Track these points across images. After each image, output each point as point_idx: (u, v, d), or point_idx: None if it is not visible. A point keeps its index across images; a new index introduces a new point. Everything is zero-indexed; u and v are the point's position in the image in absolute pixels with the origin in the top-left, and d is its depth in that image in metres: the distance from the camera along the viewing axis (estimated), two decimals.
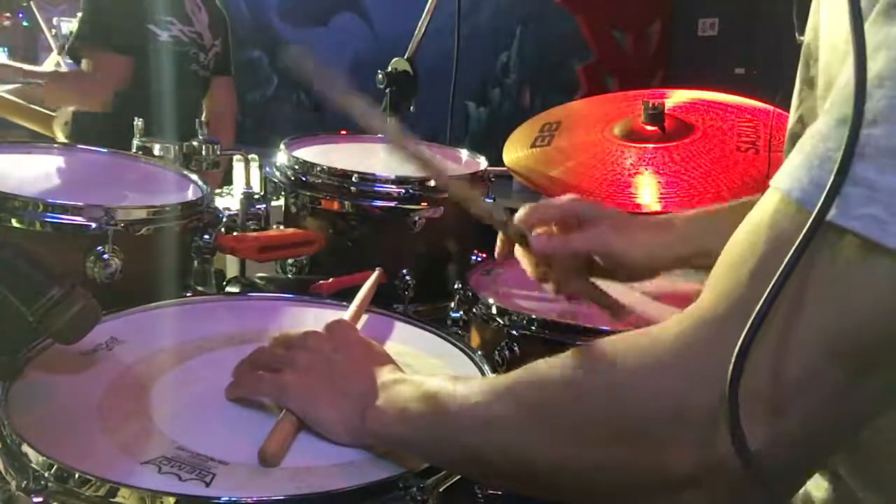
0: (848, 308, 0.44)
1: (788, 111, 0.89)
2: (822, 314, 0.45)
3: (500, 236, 0.95)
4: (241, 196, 1.34)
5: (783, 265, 0.44)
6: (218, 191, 1.90)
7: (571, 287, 0.95)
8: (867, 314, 0.44)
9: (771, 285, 0.44)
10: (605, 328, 0.99)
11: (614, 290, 1.19)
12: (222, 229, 1.19)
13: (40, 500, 0.62)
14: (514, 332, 1.02)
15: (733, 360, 0.45)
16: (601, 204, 0.96)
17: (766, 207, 0.49)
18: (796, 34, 0.65)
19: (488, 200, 1.13)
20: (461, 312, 1.11)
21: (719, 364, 0.47)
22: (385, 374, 0.73)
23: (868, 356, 0.45)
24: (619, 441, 0.53)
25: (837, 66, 0.49)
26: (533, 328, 1.02)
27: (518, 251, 0.95)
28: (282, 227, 1.36)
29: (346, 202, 1.28)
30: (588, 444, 0.55)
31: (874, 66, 0.43)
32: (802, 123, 0.62)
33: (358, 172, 1.29)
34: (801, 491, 0.65)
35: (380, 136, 0.87)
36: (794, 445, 0.47)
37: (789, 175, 0.47)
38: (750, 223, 0.50)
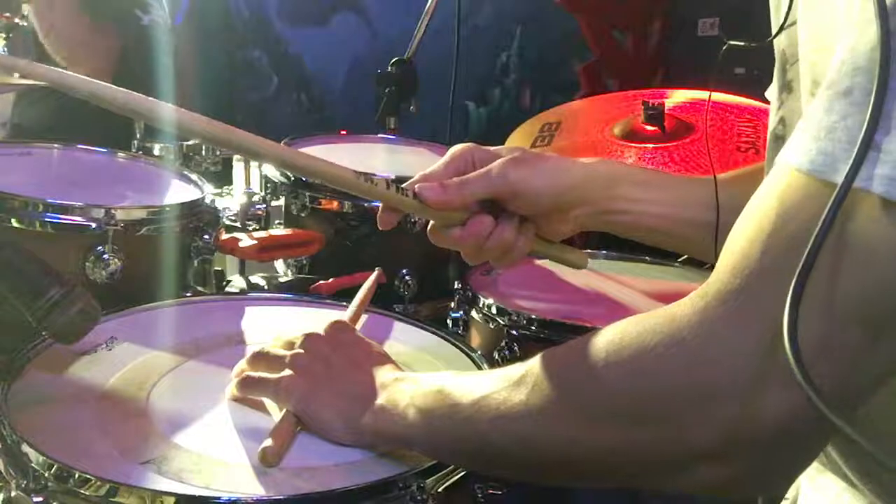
0: (867, 268, 0.45)
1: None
2: (843, 277, 0.46)
3: (381, 207, 0.80)
4: (242, 196, 1.34)
5: (815, 233, 0.45)
6: (218, 191, 1.88)
7: (502, 248, 0.81)
8: (886, 272, 0.45)
9: (806, 253, 0.45)
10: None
11: (613, 288, 1.20)
12: (222, 229, 1.19)
13: (40, 499, 0.62)
14: (514, 332, 1.02)
15: (788, 305, 0.45)
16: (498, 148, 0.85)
17: (773, 184, 0.49)
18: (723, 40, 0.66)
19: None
20: (461, 312, 1.11)
21: (737, 337, 0.48)
22: (385, 374, 0.73)
23: (887, 315, 0.45)
24: (642, 420, 0.53)
25: (826, 65, 0.50)
26: (533, 328, 1.02)
27: (436, 233, 0.81)
28: (282, 227, 1.36)
29: (346, 202, 1.28)
30: (610, 425, 0.55)
31: (870, 39, 0.44)
32: (784, 125, 0.64)
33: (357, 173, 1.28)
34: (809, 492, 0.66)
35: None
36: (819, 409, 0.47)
37: (795, 150, 0.48)
38: (758, 200, 0.51)
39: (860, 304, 0.46)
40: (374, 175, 0.78)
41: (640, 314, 0.56)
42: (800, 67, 0.57)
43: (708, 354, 0.50)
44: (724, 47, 0.69)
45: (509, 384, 0.61)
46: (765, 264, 0.48)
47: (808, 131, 0.47)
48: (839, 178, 0.44)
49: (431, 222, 0.81)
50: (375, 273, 1.09)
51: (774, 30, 0.64)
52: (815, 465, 0.65)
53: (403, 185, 0.79)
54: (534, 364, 0.61)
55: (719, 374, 0.49)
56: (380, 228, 0.81)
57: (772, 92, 0.70)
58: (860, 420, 0.55)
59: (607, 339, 0.56)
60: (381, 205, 0.81)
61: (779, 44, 0.63)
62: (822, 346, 0.46)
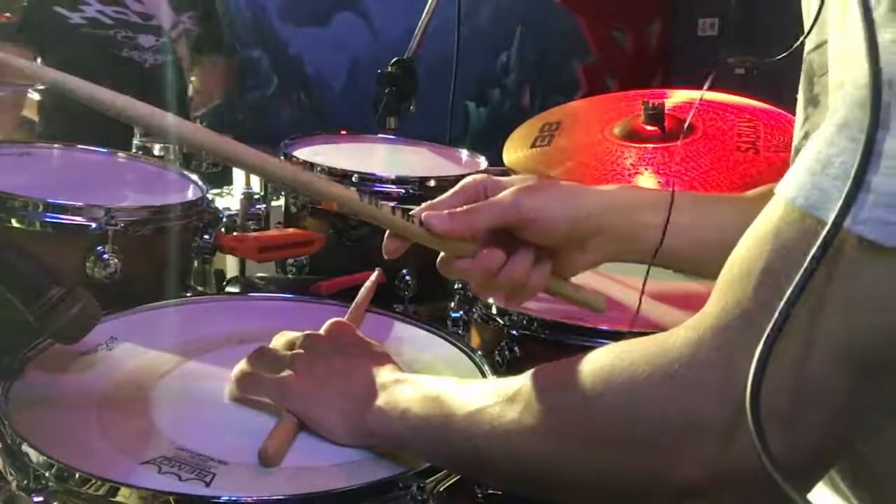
0: (856, 312, 0.44)
1: (783, 108, 0.89)
2: (831, 321, 0.45)
3: (387, 235, 0.78)
4: (241, 196, 1.34)
5: (800, 273, 0.44)
6: (218, 191, 1.84)
7: (513, 284, 0.77)
8: (876, 317, 0.44)
9: (788, 294, 0.44)
10: (604, 328, 0.99)
11: (614, 289, 1.20)
12: (222, 229, 1.19)
13: (40, 499, 0.62)
14: (514, 332, 1.02)
15: (753, 367, 0.44)
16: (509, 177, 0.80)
17: (770, 216, 0.49)
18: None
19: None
20: (461, 312, 1.11)
21: (727, 375, 0.48)
22: (385, 375, 0.73)
23: (876, 359, 0.45)
24: (628, 448, 0.53)
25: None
26: (533, 328, 1.02)
27: (445, 264, 0.78)
28: (282, 226, 1.36)
29: None
30: (596, 449, 0.55)
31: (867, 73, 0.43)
32: (808, 140, 0.62)
33: (358, 172, 1.29)
34: None
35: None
36: (806, 453, 0.47)
37: (792, 183, 0.47)
38: (755, 232, 0.50)
39: (846, 348, 0.45)
40: (375, 186, 0.77)
41: (634, 340, 0.56)
42: (829, 83, 0.55)
43: (697, 390, 0.50)
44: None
45: (504, 399, 0.61)
46: (757, 301, 0.47)
47: (807, 163, 0.46)
48: (831, 217, 0.43)
49: (442, 252, 0.78)
50: (375, 273, 1.09)
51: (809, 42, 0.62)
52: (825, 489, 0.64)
53: (411, 213, 0.76)
54: (529, 380, 0.61)
55: (708, 410, 0.49)
56: (385, 257, 0.78)
57: (798, 103, 0.69)
58: (858, 463, 0.55)
59: (600, 364, 0.56)
60: (386, 232, 0.77)
61: (807, 54, 0.61)
62: (809, 390, 0.46)
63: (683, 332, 0.52)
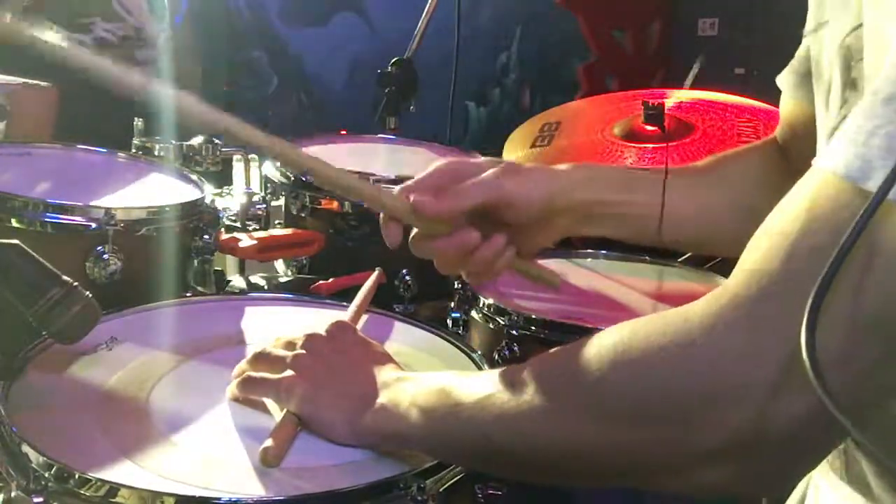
0: (892, 281, 0.44)
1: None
2: (867, 290, 0.45)
3: (382, 217, 0.80)
4: (242, 196, 1.34)
5: (843, 240, 0.44)
6: (218, 191, 1.84)
7: (483, 264, 0.80)
8: None
9: (831, 259, 0.44)
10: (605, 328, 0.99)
11: (613, 288, 1.20)
12: (222, 229, 1.19)
13: (40, 500, 0.62)
14: (514, 332, 1.02)
15: (805, 317, 0.44)
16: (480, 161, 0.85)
17: (803, 189, 0.49)
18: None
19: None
20: (461, 312, 1.11)
21: (752, 345, 0.48)
22: (386, 374, 0.73)
23: None
24: (647, 421, 0.53)
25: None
26: (533, 328, 1.02)
27: (417, 242, 0.80)
28: (282, 226, 1.36)
29: (346, 202, 1.28)
30: (614, 425, 0.55)
31: None
32: None
33: (358, 172, 1.29)
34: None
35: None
36: (830, 416, 0.47)
37: (833, 155, 0.47)
38: (787, 205, 0.50)
39: (883, 318, 0.45)
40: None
41: (650, 315, 0.56)
42: (865, 65, 0.55)
43: (718, 359, 0.50)
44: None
45: (513, 383, 0.60)
46: (787, 270, 0.47)
47: (847, 136, 0.46)
48: (873, 187, 0.43)
49: (414, 231, 0.80)
50: (375, 273, 1.09)
51: (809, 23, 0.62)
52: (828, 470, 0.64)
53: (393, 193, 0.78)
54: (538, 363, 0.60)
55: (728, 379, 0.49)
56: (388, 245, 0.80)
57: (784, 80, 0.72)
58: (875, 431, 0.55)
59: (615, 339, 0.56)
60: (381, 219, 0.80)
61: (843, 39, 0.61)
62: (839, 357, 0.46)
63: (704, 303, 0.52)
